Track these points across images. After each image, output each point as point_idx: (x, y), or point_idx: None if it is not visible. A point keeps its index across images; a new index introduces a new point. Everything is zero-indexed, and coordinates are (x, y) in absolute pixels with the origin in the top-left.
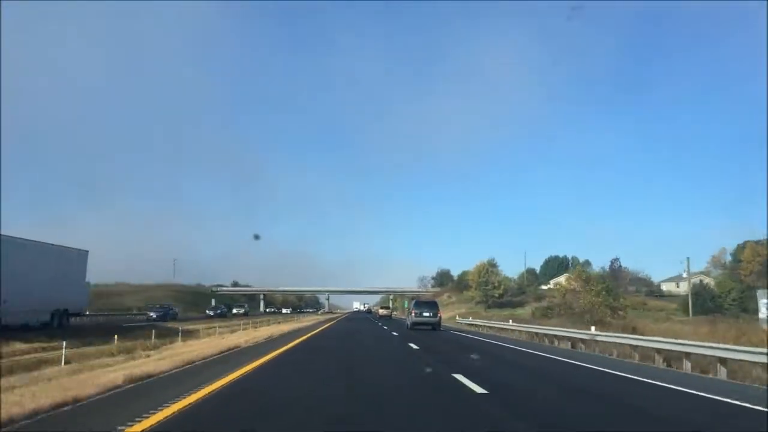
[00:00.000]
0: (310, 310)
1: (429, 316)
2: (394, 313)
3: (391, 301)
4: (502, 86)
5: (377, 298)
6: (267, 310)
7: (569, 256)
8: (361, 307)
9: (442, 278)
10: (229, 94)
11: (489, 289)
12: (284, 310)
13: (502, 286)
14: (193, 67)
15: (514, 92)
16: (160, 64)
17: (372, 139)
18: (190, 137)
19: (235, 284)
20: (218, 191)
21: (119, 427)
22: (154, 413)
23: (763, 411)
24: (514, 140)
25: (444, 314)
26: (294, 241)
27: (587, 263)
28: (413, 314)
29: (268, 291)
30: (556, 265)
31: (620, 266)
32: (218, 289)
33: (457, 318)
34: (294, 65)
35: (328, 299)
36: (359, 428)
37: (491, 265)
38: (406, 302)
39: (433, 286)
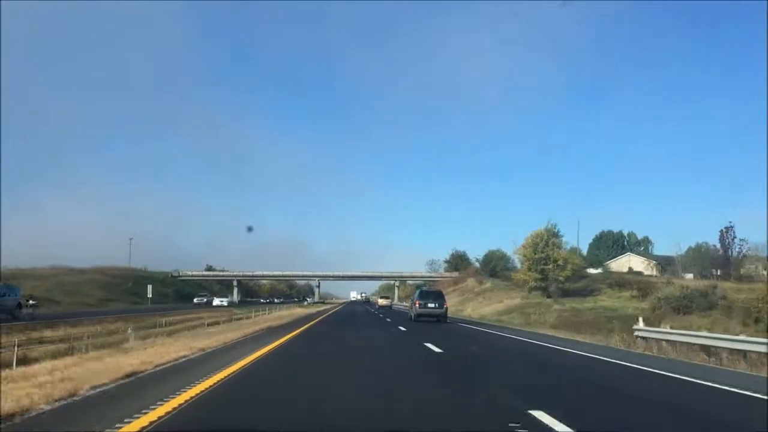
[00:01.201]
0: (295, 300)
1: (434, 307)
2: (404, 304)
3: (396, 289)
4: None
5: (376, 286)
6: (197, 300)
7: (624, 232)
8: (359, 297)
9: (458, 262)
10: (205, 51)
11: (551, 269)
12: (217, 301)
13: (569, 266)
14: (165, 16)
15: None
16: (124, 17)
17: (372, 97)
18: (162, 104)
19: (209, 268)
20: (200, 170)
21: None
22: None
23: None
24: (548, 97)
25: (487, 307)
26: (285, 223)
27: (647, 241)
28: (417, 305)
29: (243, 276)
30: (611, 243)
31: (734, 238)
32: (181, 273)
33: (639, 323)
34: (284, 21)
35: (318, 286)
36: None
37: (552, 235)
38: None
39: (446, 270)
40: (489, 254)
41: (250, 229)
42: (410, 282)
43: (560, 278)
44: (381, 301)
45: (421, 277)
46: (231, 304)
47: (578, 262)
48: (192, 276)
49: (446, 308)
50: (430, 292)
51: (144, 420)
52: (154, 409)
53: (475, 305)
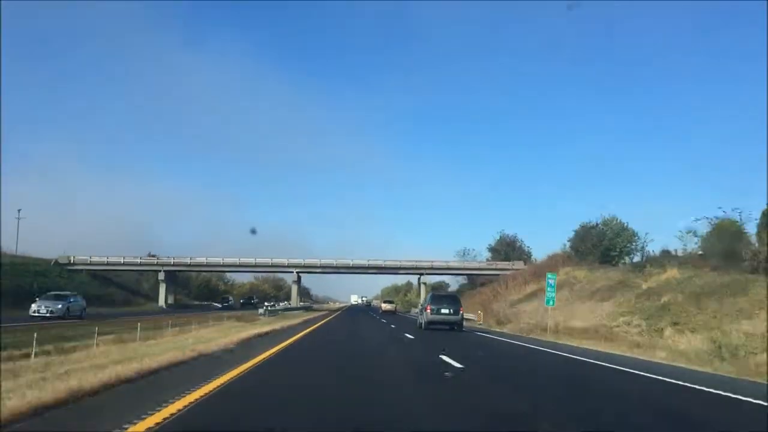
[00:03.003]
0: (220, 306)
1: (449, 314)
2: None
3: (422, 288)
4: None
5: (379, 289)
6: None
7: None
8: (360, 301)
9: (508, 250)
10: None
11: None
12: None
13: None
14: None
15: None
16: None
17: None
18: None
19: (152, 257)
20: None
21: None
22: None
23: None
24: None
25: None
26: (274, 209)
27: None
28: (429, 311)
29: (174, 266)
30: None
31: None
32: (74, 260)
33: None
34: None
35: (297, 281)
36: None
37: None
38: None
39: (489, 260)
40: (589, 230)
41: (253, 231)
42: (429, 280)
43: None
44: (384, 306)
45: (463, 269)
46: None
47: None
48: (90, 266)
49: (462, 314)
50: (444, 296)
51: None
52: None
53: None
